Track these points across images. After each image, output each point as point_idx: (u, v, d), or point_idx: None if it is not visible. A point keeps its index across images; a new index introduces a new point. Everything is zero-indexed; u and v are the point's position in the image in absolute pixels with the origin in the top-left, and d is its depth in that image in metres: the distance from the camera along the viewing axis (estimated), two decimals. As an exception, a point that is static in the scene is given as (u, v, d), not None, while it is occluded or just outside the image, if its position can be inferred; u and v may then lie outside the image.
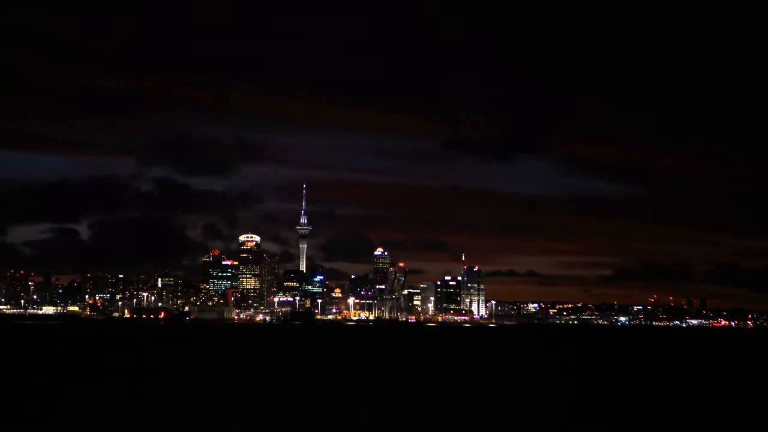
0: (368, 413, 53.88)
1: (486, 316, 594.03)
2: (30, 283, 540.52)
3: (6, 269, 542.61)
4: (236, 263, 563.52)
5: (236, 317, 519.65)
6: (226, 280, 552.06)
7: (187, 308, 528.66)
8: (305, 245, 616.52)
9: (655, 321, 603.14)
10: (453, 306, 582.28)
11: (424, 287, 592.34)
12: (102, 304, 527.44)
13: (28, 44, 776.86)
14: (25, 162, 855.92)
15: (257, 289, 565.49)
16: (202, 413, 52.90)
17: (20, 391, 63.67)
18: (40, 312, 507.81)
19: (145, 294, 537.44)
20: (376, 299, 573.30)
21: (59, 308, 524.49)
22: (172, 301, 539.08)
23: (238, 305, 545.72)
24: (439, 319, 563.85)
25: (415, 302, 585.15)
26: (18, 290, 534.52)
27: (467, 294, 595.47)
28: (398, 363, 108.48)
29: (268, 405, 57.24)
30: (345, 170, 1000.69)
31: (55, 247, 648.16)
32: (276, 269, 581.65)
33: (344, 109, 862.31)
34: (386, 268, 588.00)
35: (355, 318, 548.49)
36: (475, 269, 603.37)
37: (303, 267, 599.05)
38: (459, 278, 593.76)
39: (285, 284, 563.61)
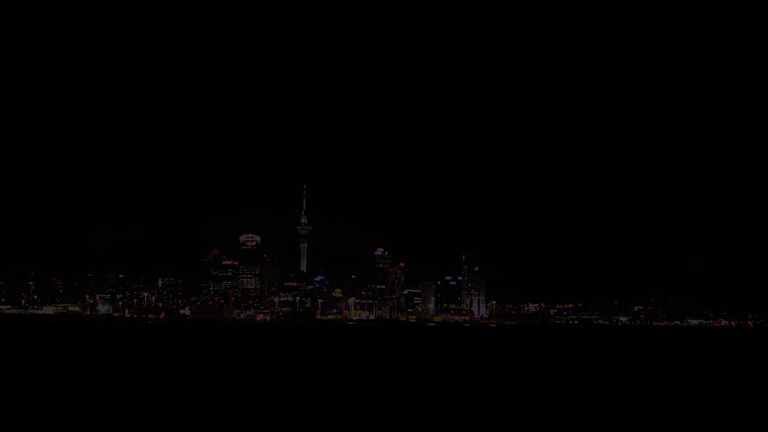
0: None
1: (486, 316, 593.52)
2: (30, 283, 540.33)
3: (8, 269, 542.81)
4: (236, 263, 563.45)
5: (237, 317, 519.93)
6: (226, 280, 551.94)
7: (187, 308, 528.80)
8: (305, 245, 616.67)
9: (656, 321, 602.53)
10: (453, 306, 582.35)
11: (424, 287, 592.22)
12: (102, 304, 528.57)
13: None
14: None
15: (257, 289, 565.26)
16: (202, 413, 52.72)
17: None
18: (40, 312, 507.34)
19: (145, 294, 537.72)
20: (377, 299, 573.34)
21: (59, 308, 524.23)
22: (172, 301, 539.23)
23: (238, 305, 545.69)
24: (439, 318, 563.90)
25: (416, 302, 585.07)
26: (18, 290, 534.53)
27: (467, 294, 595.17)
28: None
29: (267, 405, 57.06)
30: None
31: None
32: (276, 269, 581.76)
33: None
34: (386, 268, 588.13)
35: (355, 318, 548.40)
36: (475, 269, 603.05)
37: (303, 267, 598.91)
38: (459, 278, 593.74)
39: (285, 284, 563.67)
